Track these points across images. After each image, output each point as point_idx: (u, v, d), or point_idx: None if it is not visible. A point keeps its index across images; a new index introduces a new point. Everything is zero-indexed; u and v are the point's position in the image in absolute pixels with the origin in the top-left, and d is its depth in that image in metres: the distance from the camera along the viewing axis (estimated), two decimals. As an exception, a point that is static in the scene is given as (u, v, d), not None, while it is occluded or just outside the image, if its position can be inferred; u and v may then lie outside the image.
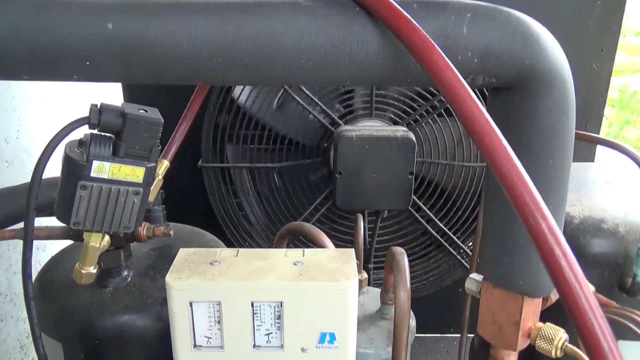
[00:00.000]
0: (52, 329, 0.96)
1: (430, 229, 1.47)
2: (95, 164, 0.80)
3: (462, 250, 1.50)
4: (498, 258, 0.71)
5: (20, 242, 1.54)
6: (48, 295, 0.99)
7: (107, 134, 0.81)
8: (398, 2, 0.59)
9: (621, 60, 8.15)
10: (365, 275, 1.11)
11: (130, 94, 1.59)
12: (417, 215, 1.46)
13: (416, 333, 1.62)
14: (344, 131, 1.32)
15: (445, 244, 1.48)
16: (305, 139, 1.43)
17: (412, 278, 1.46)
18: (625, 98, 6.92)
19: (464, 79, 0.55)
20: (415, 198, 1.43)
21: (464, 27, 0.60)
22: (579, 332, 0.45)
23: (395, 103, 1.42)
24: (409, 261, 1.06)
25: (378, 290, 1.11)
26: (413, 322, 1.06)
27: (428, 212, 1.46)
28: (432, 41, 0.55)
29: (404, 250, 0.95)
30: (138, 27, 0.59)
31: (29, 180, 1.48)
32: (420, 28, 0.56)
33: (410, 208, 1.44)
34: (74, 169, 0.80)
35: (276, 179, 1.49)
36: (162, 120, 0.83)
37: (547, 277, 0.69)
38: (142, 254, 1.06)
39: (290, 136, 1.41)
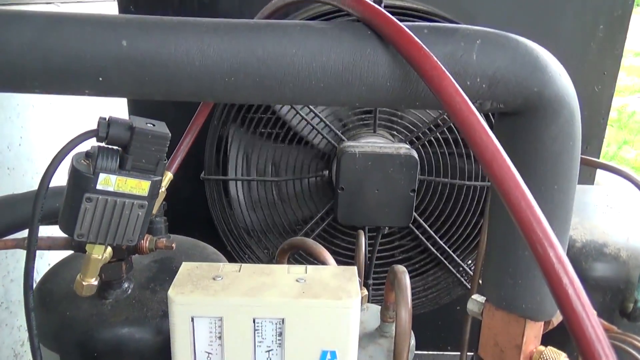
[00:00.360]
0: (51, 340, 0.96)
1: (430, 247, 1.48)
2: (102, 176, 0.80)
3: (461, 268, 1.50)
4: (501, 280, 0.72)
5: (19, 250, 1.54)
6: (47, 306, 0.99)
7: (115, 147, 0.82)
8: (409, 26, 0.60)
9: (620, 81, 8.23)
10: (365, 292, 1.11)
11: (135, 105, 1.60)
12: (417, 232, 1.46)
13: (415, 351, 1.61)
14: (347, 147, 1.33)
15: (445, 261, 1.48)
16: (308, 154, 1.44)
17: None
18: (623, 118, 6.98)
19: (472, 103, 0.56)
20: (416, 215, 1.44)
21: (474, 54, 0.61)
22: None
23: (399, 120, 1.43)
24: (409, 278, 1.07)
25: (378, 308, 1.11)
26: (413, 341, 1.05)
27: (428, 229, 1.46)
28: (443, 67, 0.56)
29: (405, 269, 0.95)
30: (152, 45, 0.60)
31: (29, 187, 1.48)
32: (431, 53, 0.57)
33: (410, 225, 1.44)
34: (81, 181, 0.80)
35: (277, 193, 1.49)
36: (170, 135, 0.83)
37: (550, 300, 0.69)
38: (143, 266, 1.06)
39: (294, 152, 1.42)
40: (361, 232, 1.18)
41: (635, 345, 0.73)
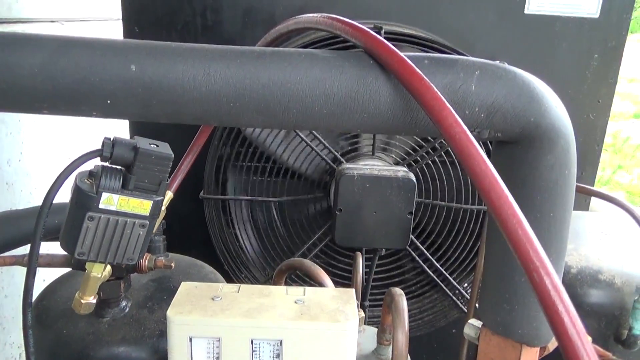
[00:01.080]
0: (47, 358, 0.96)
1: (427, 269, 1.48)
2: (105, 195, 0.81)
3: (457, 291, 1.51)
4: (498, 306, 0.73)
5: (14, 266, 1.54)
6: (44, 323, 0.99)
7: (118, 167, 0.83)
8: (410, 57, 0.62)
9: (614, 106, 8.34)
10: (362, 314, 1.12)
11: (136, 125, 1.61)
12: (414, 254, 1.47)
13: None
14: (346, 169, 1.34)
15: (442, 284, 1.49)
16: (307, 174, 1.45)
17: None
18: (618, 143, 7.05)
19: (471, 132, 0.57)
20: (413, 238, 1.45)
21: (472, 84, 0.63)
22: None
23: (397, 144, 1.45)
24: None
25: (374, 330, 1.11)
26: (409, 364, 1.06)
27: (425, 252, 1.47)
28: (442, 97, 0.58)
29: (402, 292, 0.96)
30: (160, 70, 0.62)
31: (27, 203, 1.48)
32: (431, 84, 0.59)
33: (407, 247, 1.45)
34: (84, 199, 0.81)
35: (276, 213, 1.50)
36: (172, 156, 0.84)
37: (546, 326, 0.70)
38: (141, 284, 1.07)
39: (294, 169, 1.44)
40: (359, 254, 1.19)
41: (630, 373, 0.74)
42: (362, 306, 1.34)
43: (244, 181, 1.46)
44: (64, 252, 0.99)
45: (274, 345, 0.77)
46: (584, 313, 0.80)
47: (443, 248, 1.49)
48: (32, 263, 0.85)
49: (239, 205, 1.48)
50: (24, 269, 1.67)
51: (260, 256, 1.51)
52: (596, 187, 0.88)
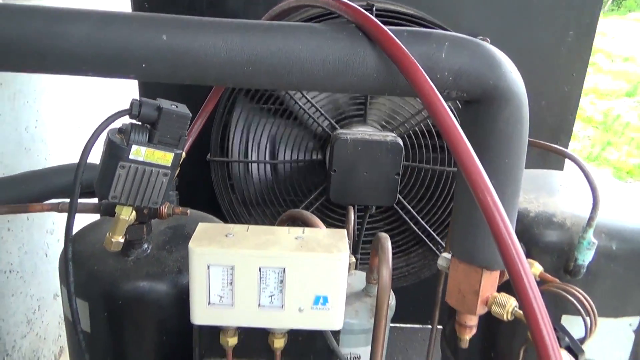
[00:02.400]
0: (80, 290, 1.10)
1: (413, 226, 1.64)
2: (134, 147, 0.95)
3: (440, 246, 1.67)
4: (464, 238, 0.88)
5: (33, 225, 1.72)
6: (77, 262, 1.13)
7: (145, 124, 0.97)
8: (392, 30, 0.76)
9: (606, 85, 8.48)
10: (353, 259, 1.27)
11: (146, 92, 1.74)
12: (401, 212, 1.63)
13: (397, 323, 1.79)
14: (340, 134, 1.49)
15: (426, 239, 1.65)
16: (305, 134, 1.59)
17: (394, 270, 1.62)
18: (609, 121, 7.20)
19: (441, 93, 0.72)
20: (400, 197, 1.60)
21: (443, 53, 0.77)
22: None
23: (387, 112, 1.59)
24: (393, 254, 1.22)
25: (364, 273, 1.27)
26: (393, 301, 1.22)
27: (412, 210, 1.62)
28: (417, 63, 0.72)
29: (388, 236, 1.11)
30: (187, 39, 0.75)
31: (44, 166, 1.61)
32: (408, 52, 0.73)
33: (396, 206, 1.61)
34: (116, 151, 0.95)
35: (276, 175, 1.65)
36: (190, 115, 0.99)
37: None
38: (159, 231, 1.22)
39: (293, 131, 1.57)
40: (351, 208, 1.34)
41: (573, 293, 0.89)
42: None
43: (246, 145, 1.60)
44: (93, 201, 1.14)
45: (278, 273, 0.92)
46: (539, 250, 0.95)
47: (427, 207, 1.64)
48: (72, 205, 0.99)
49: (242, 168, 1.62)
50: (41, 229, 1.86)
51: (262, 214, 1.66)
52: (553, 144, 1.02)
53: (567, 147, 1.82)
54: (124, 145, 0.95)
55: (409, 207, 1.62)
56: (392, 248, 1.10)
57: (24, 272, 1.90)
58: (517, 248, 0.66)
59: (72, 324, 1.08)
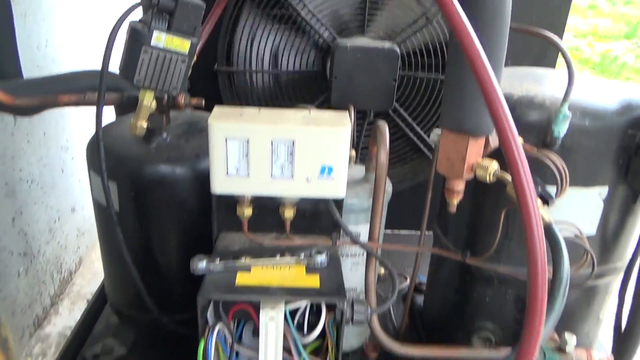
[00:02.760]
0: (109, 173, 1.21)
1: (409, 132, 1.75)
2: (155, 33, 1.05)
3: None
4: (452, 109, 0.99)
5: (50, 140, 1.84)
6: (106, 149, 1.24)
7: (164, 13, 1.06)
8: None
9: (606, 27, 8.44)
10: (353, 152, 1.39)
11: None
12: (397, 120, 1.73)
13: (392, 229, 1.92)
14: (341, 42, 1.57)
15: (421, 145, 1.76)
16: (306, 51, 1.68)
17: (390, 175, 1.74)
18: (606, 62, 7.23)
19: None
20: (397, 105, 1.70)
21: None
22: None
23: (385, 23, 1.67)
24: (390, 160, 1.31)
25: (363, 166, 1.39)
26: (390, 187, 1.34)
27: (407, 117, 1.73)
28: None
29: (386, 123, 1.22)
30: None
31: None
32: None
33: (392, 114, 1.71)
34: (139, 37, 1.05)
35: (280, 85, 1.74)
36: (204, 5, 1.08)
37: (486, 120, 0.97)
38: (176, 124, 1.32)
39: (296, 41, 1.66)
40: (351, 107, 1.44)
41: (548, 157, 1.01)
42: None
43: (251, 55, 1.68)
44: (115, 95, 1.25)
45: (288, 145, 1.04)
46: (521, 128, 1.05)
47: (422, 115, 1.74)
48: (101, 95, 1.09)
49: (248, 77, 1.71)
50: (57, 145, 1.97)
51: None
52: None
53: (554, 67, 1.91)
54: (145, 31, 1.04)
55: (405, 115, 1.73)
56: (389, 154, 1.19)
57: (44, 184, 2.02)
58: (499, 94, 0.77)
59: (102, 206, 1.21)
